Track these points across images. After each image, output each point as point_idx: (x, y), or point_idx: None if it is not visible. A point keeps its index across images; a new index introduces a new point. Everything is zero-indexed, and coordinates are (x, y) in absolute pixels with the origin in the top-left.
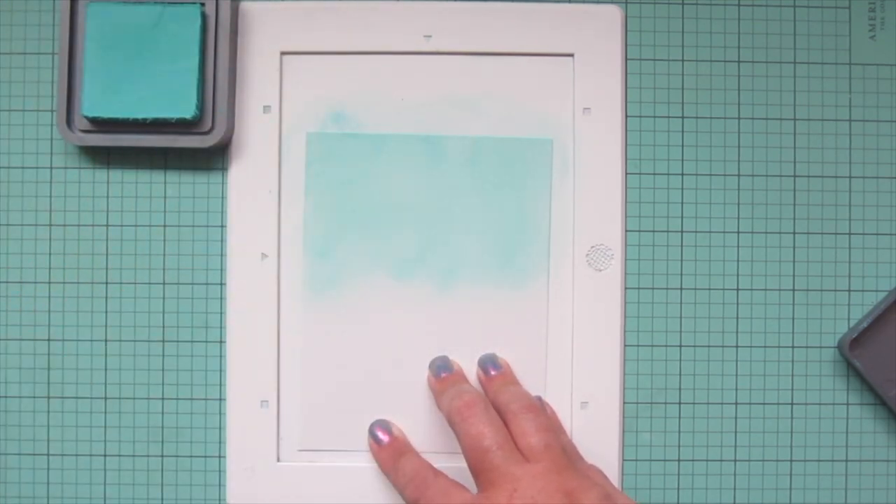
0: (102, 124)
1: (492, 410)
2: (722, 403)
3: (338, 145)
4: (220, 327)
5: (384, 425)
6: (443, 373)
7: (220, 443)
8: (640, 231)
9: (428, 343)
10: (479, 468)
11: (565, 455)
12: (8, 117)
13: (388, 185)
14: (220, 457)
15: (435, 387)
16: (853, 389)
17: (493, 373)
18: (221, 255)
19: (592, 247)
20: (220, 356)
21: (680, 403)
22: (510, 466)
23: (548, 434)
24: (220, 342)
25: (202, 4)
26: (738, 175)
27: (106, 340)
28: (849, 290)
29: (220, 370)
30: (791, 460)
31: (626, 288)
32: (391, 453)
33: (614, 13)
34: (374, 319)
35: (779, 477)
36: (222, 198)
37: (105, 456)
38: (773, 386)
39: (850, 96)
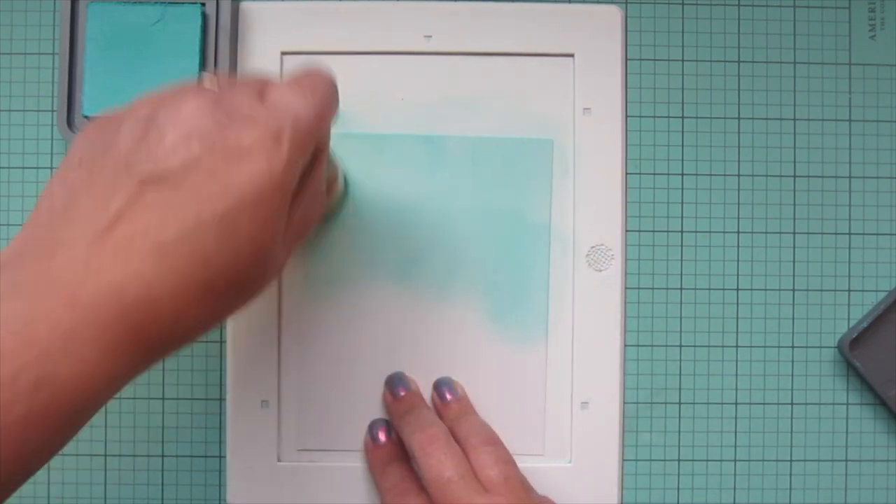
0: None
1: (453, 443)
2: (722, 403)
3: (338, 145)
4: (221, 327)
5: (384, 426)
6: (401, 391)
7: (220, 443)
8: (639, 231)
9: (428, 342)
10: (442, 500)
11: (524, 488)
12: (8, 117)
13: (388, 185)
14: (220, 457)
15: (391, 406)
16: (853, 389)
17: (448, 398)
18: None
19: (592, 247)
20: (220, 356)
21: (680, 403)
22: (472, 497)
23: (507, 467)
24: (220, 342)
25: (202, 4)
26: (738, 175)
27: None
28: (849, 290)
29: (220, 370)
30: (791, 460)
31: (626, 288)
32: (384, 455)
33: (614, 13)
34: (374, 319)
35: (779, 477)
36: None
37: (105, 456)
38: (773, 386)
39: (850, 96)
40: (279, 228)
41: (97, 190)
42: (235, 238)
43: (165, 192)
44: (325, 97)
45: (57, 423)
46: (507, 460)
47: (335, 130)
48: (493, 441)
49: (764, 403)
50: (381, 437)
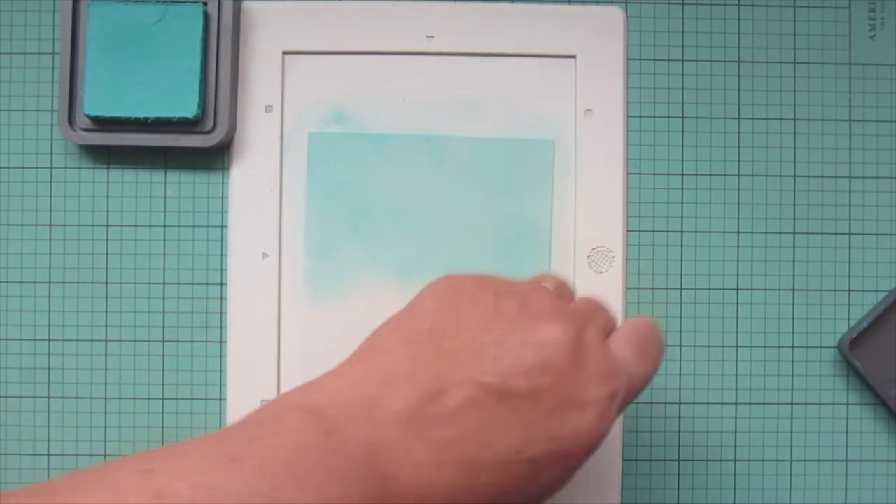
0: (104, 123)
1: None
2: (722, 403)
3: (339, 145)
4: (220, 327)
5: None
6: None
7: None
8: (640, 231)
9: None
10: None
11: None
12: (8, 117)
13: (390, 185)
14: None
15: None
16: (853, 389)
17: None
18: (222, 255)
19: (594, 248)
20: (220, 356)
21: (680, 403)
22: None
23: None
24: (220, 342)
25: (204, 4)
26: (738, 175)
27: (106, 340)
28: (849, 290)
29: (220, 370)
30: (791, 460)
31: (626, 288)
32: None
33: (616, 14)
34: (374, 320)
35: (779, 477)
36: (223, 197)
37: (105, 456)
38: (773, 386)
39: (850, 96)
40: (572, 477)
41: (438, 368)
42: (537, 480)
43: (501, 410)
44: (657, 366)
45: None
46: None
47: (338, 130)
48: None
49: (764, 403)
50: None
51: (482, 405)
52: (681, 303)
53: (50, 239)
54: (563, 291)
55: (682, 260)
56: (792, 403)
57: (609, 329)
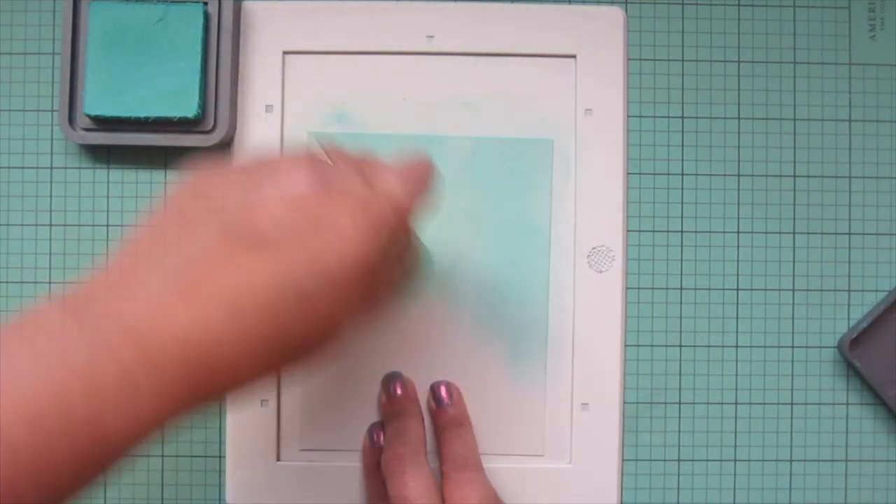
0: (104, 123)
1: (421, 462)
2: (722, 403)
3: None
4: None
5: (382, 429)
6: (395, 390)
7: (219, 443)
8: (640, 231)
9: (427, 343)
10: None
11: None
12: (8, 117)
13: None
14: (220, 457)
15: (384, 407)
16: (853, 389)
17: (444, 404)
18: None
19: (594, 248)
20: None
21: (680, 403)
22: None
23: (476, 490)
24: None
25: (205, 3)
26: (738, 175)
27: None
28: (849, 290)
29: None
30: (791, 460)
31: (626, 288)
32: (377, 460)
33: (616, 15)
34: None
35: (779, 477)
36: None
37: None
38: (773, 386)
39: (850, 96)
40: (355, 307)
41: (187, 239)
42: (313, 311)
43: (254, 254)
44: (425, 188)
45: (99, 459)
46: (484, 496)
47: (338, 130)
48: (470, 465)
49: (764, 403)
50: (378, 440)
51: (234, 256)
52: (681, 303)
53: (50, 239)
54: (331, 154)
55: (682, 260)
56: (792, 403)
57: (371, 166)
